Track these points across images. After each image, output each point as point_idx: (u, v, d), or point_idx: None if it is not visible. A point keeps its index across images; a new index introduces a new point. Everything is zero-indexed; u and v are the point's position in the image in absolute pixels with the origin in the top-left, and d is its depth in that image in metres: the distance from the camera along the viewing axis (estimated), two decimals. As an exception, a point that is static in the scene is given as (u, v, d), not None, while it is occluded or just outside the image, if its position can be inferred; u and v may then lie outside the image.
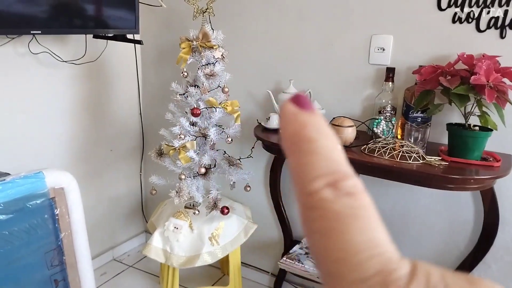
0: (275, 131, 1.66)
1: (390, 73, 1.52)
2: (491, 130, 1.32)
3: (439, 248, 1.67)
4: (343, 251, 0.20)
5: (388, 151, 1.37)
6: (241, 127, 1.72)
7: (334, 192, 0.21)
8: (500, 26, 1.36)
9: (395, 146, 1.38)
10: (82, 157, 2.03)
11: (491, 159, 1.35)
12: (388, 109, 1.52)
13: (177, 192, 1.63)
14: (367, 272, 0.19)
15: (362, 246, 0.20)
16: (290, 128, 0.23)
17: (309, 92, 1.74)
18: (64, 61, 1.81)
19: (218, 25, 1.77)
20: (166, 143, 1.68)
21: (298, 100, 0.23)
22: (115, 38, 1.79)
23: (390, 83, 1.53)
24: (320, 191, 0.21)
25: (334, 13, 1.65)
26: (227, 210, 1.71)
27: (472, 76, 1.24)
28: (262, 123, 1.71)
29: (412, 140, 1.46)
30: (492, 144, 1.43)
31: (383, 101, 1.53)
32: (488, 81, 1.24)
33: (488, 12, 1.37)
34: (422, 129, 1.45)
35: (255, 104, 1.92)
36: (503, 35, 1.37)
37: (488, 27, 1.38)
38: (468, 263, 1.60)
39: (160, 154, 1.74)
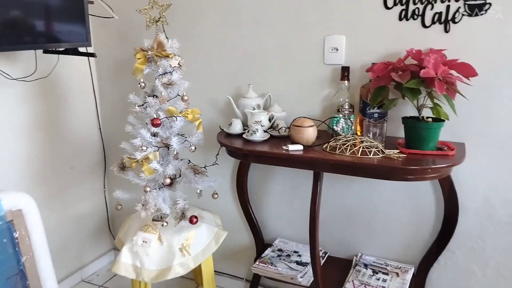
0: (238, 136, 1.66)
1: (345, 72, 1.56)
2: (444, 120, 1.37)
3: (406, 238, 1.72)
4: None
5: (349, 147, 1.40)
6: (204, 135, 1.71)
7: None
8: (443, 21, 1.43)
9: (355, 142, 1.41)
10: (41, 177, 1.96)
11: (446, 149, 1.41)
12: (346, 107, 1.55)
13: (143, 205, 1.60)
14: None
15: None
16: None
17: (269, 95, 1.76)
18: (14, 79, 1.74)
19: (173, 34, 1.76)
20: (128, 156, 1.65)
21: None
22: (66, 52, 1.74)
23: (346, 81, 1.57)
24: None
25: (289, 17, 1.67)
26: (196, 219, 1.69)
27: (422, 70, 1.29)
28: (225, 129, 1.71)
29: (371, 136, 1.50)
30: (447, 134, 1.49)
31: (341, 99, 1.57)
32: (436, 74, 1.29)
33: (432, 8, 1.43)
34: (380, 124, 1.50)
35: (217, 111, 1.92)
36: (447, 29, 1.43)
37: (433, 22, 1.44)
38: (434, 251, 1.66)
39: (123, 167, 1.70)
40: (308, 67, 1.68)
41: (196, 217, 1.70)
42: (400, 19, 1.48)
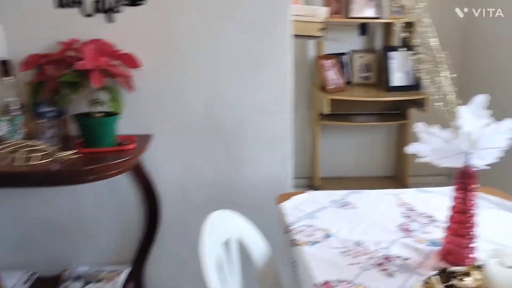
0: None
1: (5, 66, 1.33)
2: (117, 114, 1.32)
3: (118, 238, 1.64)
4: None
5: (10, 155, 1.19)
6: None
7: None
8: (106, 10, 1.36)
9: (16, 148, 1.22)
10: None
11: (127, 143, 1.36)
12: (14, 107, 1.33)
13: None
14: None
15: None
16: None
17: None
18: None
19: None
20: None
21: None
22: None
23: (11, 77, 1.35)
24: None
25: None
26: None
27: (77, 62, 1.19)
28: None
29: (48, 137, 1.33)
30: (134, 127, 1.46)
31: (5, 99, 1.34)
32: (99, 66, 1.22)
33: (92, -4, 1.35)
34: (56, 124, 1.34)
35: None
36: (111, 19, 1.37)
37: (97, 11, 1.36)
38: (147, 243, 1.63)
39: None
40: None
41: None
42: (60, 5, 1.34)
